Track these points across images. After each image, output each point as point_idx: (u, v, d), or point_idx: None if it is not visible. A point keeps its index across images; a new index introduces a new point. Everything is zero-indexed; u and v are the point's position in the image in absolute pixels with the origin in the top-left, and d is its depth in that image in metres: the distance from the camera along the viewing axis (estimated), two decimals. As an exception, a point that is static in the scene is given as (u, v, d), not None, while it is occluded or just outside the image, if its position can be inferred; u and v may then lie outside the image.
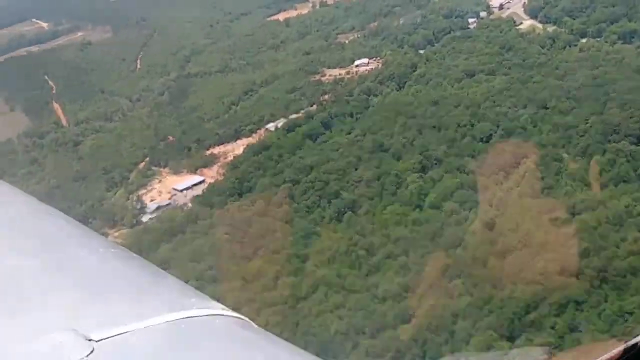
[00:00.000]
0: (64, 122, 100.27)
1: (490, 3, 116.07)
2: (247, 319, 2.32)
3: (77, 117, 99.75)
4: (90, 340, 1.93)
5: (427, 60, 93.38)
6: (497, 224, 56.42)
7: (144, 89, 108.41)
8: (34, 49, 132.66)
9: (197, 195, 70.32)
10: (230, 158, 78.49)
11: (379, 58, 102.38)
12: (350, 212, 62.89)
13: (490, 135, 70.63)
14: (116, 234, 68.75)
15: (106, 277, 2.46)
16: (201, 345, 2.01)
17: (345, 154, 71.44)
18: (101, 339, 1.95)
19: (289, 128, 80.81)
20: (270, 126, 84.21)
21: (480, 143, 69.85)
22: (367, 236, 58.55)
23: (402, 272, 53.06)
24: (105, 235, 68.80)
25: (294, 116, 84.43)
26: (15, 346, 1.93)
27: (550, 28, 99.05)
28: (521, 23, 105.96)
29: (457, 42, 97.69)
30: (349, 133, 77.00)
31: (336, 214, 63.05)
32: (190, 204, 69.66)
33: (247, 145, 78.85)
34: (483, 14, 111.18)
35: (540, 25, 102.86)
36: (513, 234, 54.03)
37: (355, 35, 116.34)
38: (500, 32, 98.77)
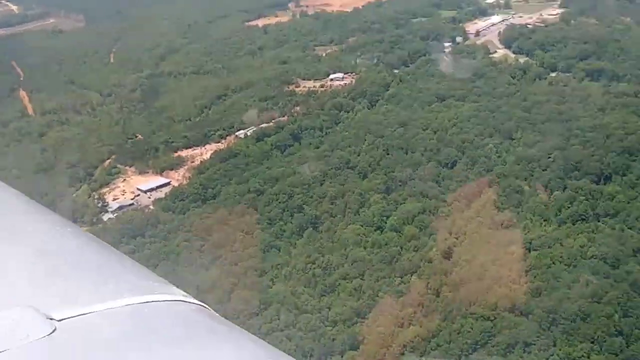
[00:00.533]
0: (29, 111, 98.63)
1: (467, 29, 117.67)
2: (207, 306, 2.34)
3: (44, 107, 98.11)
4: (51, 319, 1.90)
5: (400, 81, 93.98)
6: (454, 253, 56.89)
7: (115, 84, 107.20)
8: (1, 32, 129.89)
9: (160, 199, 69.69)
10: (197, 162, 78.00)
11: (354, 73, 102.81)
12: (311, 228, 62.94)
13: (455, 161, 71.34)
14: (74, 231, 67.80)
15: (66, 255, 2.41)
16: (163, 330, 2.01)
17: (311, 168, 71.48)
18: (63, 319, 1.92)
19: (259, 137, 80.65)
20: (240, 133, 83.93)
21: (445, 169, 70.49)
22: (326, 254, 58.59)
23: (356, 295, 53.19)
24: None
25: (264, 125, 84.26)
26: None
27: (522, 59, 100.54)
28: (495, 52, 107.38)
29: (431, 65, 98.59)
30: (318, 147, 77.13)
31: (297, 229, 63.02)
32: (152, 206, 68.91)
33: (215, 151, 78.45)
34: (459, 39, 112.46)
35: (512, 56, 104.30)
36: (468, 265, 54.54)
37: (333, 49, 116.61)
38: (474, 59, 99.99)
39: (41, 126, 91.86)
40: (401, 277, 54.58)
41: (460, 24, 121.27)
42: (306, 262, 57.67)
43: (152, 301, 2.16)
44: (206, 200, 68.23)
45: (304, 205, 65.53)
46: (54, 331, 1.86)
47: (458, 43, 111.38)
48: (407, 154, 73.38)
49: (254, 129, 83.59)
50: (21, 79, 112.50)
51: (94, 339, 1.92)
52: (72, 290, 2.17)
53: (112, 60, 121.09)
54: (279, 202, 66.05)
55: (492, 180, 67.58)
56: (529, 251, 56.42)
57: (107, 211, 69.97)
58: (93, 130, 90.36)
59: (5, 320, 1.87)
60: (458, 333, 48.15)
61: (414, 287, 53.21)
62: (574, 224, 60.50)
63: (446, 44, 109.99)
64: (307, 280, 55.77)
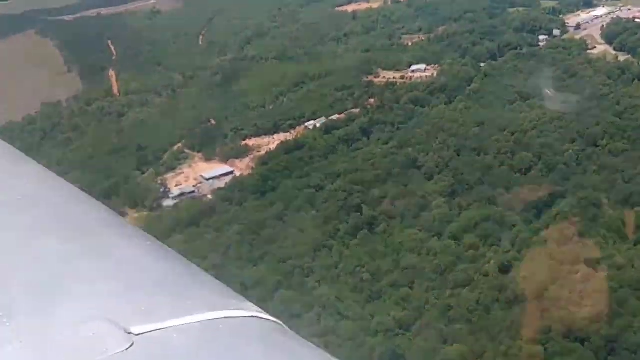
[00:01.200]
0: (115, 90, 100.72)
1: (568, 22, 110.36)
2: (282, 323, 2.26)
3: (129, 87, 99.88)
4: (130, 333, 1.90)
5: (485, 76, 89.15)
6: (514, 268, 52.98)
7: (199, 66, 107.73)
8: (104, 11, 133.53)
9: (220, 188, 69.04)
10: (263, 152, 76.91)
11: (437, 65, 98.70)
12: (367, 230, 60.43)
13: (530, 167, 66.70)
14: (136, 215, 68.36)
15: (142, 269, 2.39)
16: (238, 347, 1.99)
17: (376, 165, 68.79)
18: (140, 333, 1.92)
19: (327, 129, 78.58)
20: (310, 124, 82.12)
21: (518, 174, 66.03)
22: (377, 259, 56.06)
23: (402, 304, 50.46)
24: (124, 214, 68.53)
25: (335, 117, 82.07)
26: (53, 334, 1.89)
27: (623, 57, 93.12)
28: (594, 47, 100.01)
29: (521, 60, 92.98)
30: (386, 143, 74.20)
31: (352, 229, 60.68)
32: (211, 196, 68.44)
33: (282, 142, 77.01)
34: (556, 32, 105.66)
35: (613, 53, 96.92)
36: (526, 282, 50.56)
37: (420, 38, 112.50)
38: (569, 55, 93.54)
39: (122, 106, 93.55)
40: (452, 290, 51.31)
41: (561, 16, 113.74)
42: (356, 266, 55.36)
43: (228, 317, 2.13)
44: (265, 192, 66.95)
45: (362, 205, 63.05)
46: (131, 345, 1.85)
47: (555, 36, 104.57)
48: (479, 155, 69.32)
49: (324, 120, 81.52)
50: (113, 58, 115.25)
51: (170, 354, 1.92)
52: (149, 305, 2.14)
53: (200, 42, 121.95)
54: (337, 200, 63.87)
55: (568, 189, 62.73)
56: (597, 272, 51.75)
57: (168, 197, 70.09)
58: (170, 113, 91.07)
59: (85, 334, 1.88)
60: (505, 355, 44.64)
61: (464, 301, 49.85)
62: (650, 245, 55.17)
63: (541, 37, 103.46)
64: (354, 285, 53.51)
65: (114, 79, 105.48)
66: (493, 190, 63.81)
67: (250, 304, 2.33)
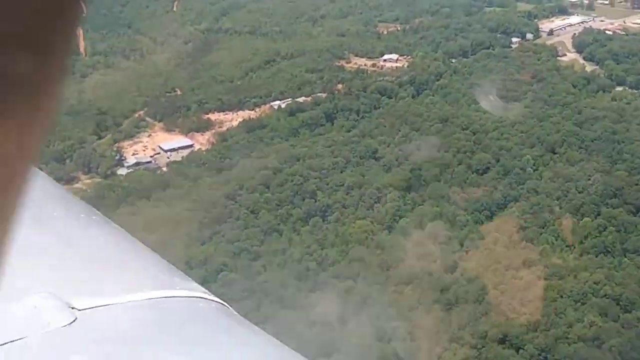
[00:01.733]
0: (81, 49, 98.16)
1: (542, 27, 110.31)
2: (228, 305, 2.26)
3: (95, 47, 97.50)
4: (73, 308, 1.87)
5: (454, 72, 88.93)
6: (458, 269, 53.05)
7: (170, 33, 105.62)
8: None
9: (176, 162, 67.85)
10: (224, 128, 75.77)
11: (409, 57, 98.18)
12: (319, 217, 59.96)
13: (487, 168, 66.76)
14: (88, 181, 66.89)
15: (88, 244, 2.36)
16: (181, 326, 1.99)
17: (336, 153, 68.20)
18: (84, 309, 1.89)
19: (292, 111, 77.68)
20: (276, 104, 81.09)
21: (475, 174, 66.02)
22: (326, 248, 55.67)
23: (344, 297, 50.15)
24: (76, 179, 67.06)
25: (302, 99, 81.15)
26: None
27: (591, 67, 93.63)
28: (564, 55, 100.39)
29: (491, 60, 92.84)
30: (349, 131, 73.67)
31: (305, 215, 60.21)
32: (165, 168, 67.20)
33: (244, 120, 75.88)
34: (530, 35, 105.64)
35: (582, 62, 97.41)
36: (468, 285, 50.66)
37: (396, 28, 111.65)
38: (538, 60, 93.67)
39: (87, 67, 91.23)
40: (395, 286, 51.18)
41: (535, 20, 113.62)
42: (303, 253, 54.90)
43: (173, 296, 2.09)
44: (221, 170, 65.98)
45: (317, 192, 62.55)
46: (74, 320, 1.83)
47: (527, 40, 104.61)
48: (438, 152, 69.13)
49: (290, 101, 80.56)
50: (82, 15, 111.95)
51: (113, 330, 1.89)
52: (93, 280, 2.10)
53: (175, 8, 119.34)
54: (294, 184, 63.22)
55: (521, 194, 63.00)
56: (539, 279, 52.12)
57: (123, 165, 68.63)
58: (135, 78, 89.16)
59: (26, 307, 1.84)
60: (438, 358, 44.72)
61: (405, 299, 49.78)
62: (596, 256, 55.65)
63: (514, 39, 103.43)
64: (300, 273, 53.04)
65: (80, 38, 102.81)
66: (448, 188, 63.76)
67: (195, 284, 2.28)
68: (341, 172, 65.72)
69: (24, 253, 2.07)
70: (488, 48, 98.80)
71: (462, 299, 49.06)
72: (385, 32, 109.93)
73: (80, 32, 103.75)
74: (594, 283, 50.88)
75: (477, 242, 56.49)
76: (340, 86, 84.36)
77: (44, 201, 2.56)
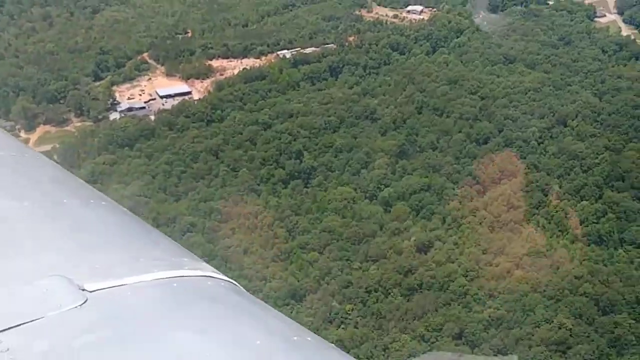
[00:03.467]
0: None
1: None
2: (237, 283, 2.27)
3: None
4: (84, 290, 1.89)
5: (477, 30, 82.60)
6: (434, 248, 49.22)
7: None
8: None
9: (165, 110, 64.66)
10: (224, 76, 72.00)
11: (434, 9, 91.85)
12: (299, 181, 56.50)
13: (487, 139, 61.74)
14: (78, 124, 64.56)
15: (99, 228, 2.39)
16: (192, 306, 1.98)
17: (331, 111, 64.04)
18: (95, 290, 1.91)
19: (295, 62, 73.26)
20: (283, 53, 76.71)
21: (473, 145, 61.13)
22: (300, 215, 52.37)
23: (305, 271, 47.09)
24: (68, 122, 64.84)
25: (310, 50, 76.55)
26: (6, 289, 1.89)
27: (630, 31, 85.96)
28: (603, 16, 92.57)
29: (519, 19, 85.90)
30: (351, 88, 69.11)
31: (287, 177, 56.83)
32: (153, 117, 64.18)
33: (244, 69, 71.89)
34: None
35: (621, 25, 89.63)
36: (439, 267, 46.87)
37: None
38: (571, 21, 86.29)
39: (99, 2, 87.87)
40: (360, 263, 47.78)
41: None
42: (275, 219, 51.76)
43: (182, 276, 2.08)
44: (210, 122, 62.73)
45: (304, 152, 58.93)
46: (85, 302, 1.85)
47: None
48: (439, 116, 64.33)
49: (297, 51, 76.05)
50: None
51: (123, 311, 1.88)
52: (105, 263, 2.08)
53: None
54: (281, 142, 59.68)
55: (520, 170, 58.19)
56: (517, 268, 47.98)
57: (115, 110, 65.92)
58: (146, 16, 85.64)
59: (39, 289, 1.87)
60: (384, 349, 41.59)
61: (366, 279, 46.36)
62: (588, 245, 51.04)
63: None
64: (267, 239, 50.07)
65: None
66: (443, 157, 59.29)
67: (204, 264, 2.25)
68: (333, 132, 61.82)
69: (36, 237, 2.17)
70: (521, 4, 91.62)
71: (427, 285, 45.42)
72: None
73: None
74: (575, 277, 46.55)
75: (460, 221, 52.34)
76: (352, 38, 79.24)
77: (54, 187, 2.60)
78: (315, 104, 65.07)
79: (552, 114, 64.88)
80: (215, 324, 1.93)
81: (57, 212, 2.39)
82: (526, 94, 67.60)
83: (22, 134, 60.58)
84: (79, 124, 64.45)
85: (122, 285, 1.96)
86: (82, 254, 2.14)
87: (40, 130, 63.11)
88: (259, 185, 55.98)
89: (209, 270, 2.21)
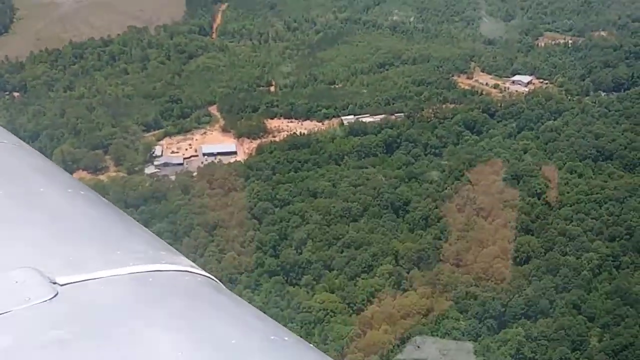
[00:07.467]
0: (213, 29, 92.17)
1: None
2: (215, 278, 2.12)
3: (227, 26, 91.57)
4: (54, 283, 1.77)
5: (581, 112, 67.21)
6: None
7: (309, 19, 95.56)
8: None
9: (189, 172, 58.68)
10: (277, 138, 64.50)
11: (545, 81, 77.19)
12: (280, 277, 47.49)
13: (528, 259, 48.02)
14: (113, 174, 60.96)
15: (74, 219, 2.20)
16: (167, 301, 1.85)
17: (358, 195, 53.94)
18: (66, 284, 1.79)
19: (351, 131, 63.96)
20: (347, 118, 67.63)
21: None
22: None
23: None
24: (104, 169, 61.66)
25: (374, 119, 66.66)
26: None
27: None
28: None
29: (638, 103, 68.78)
30: (398, 169, 58.31)
31: (277, 267, 48.12)
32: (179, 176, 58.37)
33: (290, 135, 63.89)
34: None
35: None
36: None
37: (566, 40, 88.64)
38: None
39: (201, 48, 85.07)
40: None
41: None
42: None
43: (158, 270, 1.93)
44: (229, 191, 55.59)
45: (307, 240, 49.85)
46: (55, 295, 1.74)
47: None
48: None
49: (363, 118, 66.53)
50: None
51: (95, 305, 1.75)
52: (78, 255, 1.92)
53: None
54: (287, 225, 50.97)
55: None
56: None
57: (152, 164, 61.35)
58: (237, 66, 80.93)
59: (7, 282, 1.75)
60: None
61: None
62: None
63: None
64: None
65: (219, 15, 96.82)
66: (461, 275, 46.95)
67: (183, 259, 2.09)
68: (350, 222, 51.92)
69: (7, 227, 2.01)
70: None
71: None
72: (542, 45, 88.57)
73: (223, 7, 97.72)
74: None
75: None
76: (424, 111, 67.61)
77: (30, 175, 2.43)
78: (345, 185, 55.41)
79: (628, 235, 49.31)
80: (190, 321, 1.75)
81: (32, 202, 2.17)
82: (603, 204, 52.29)
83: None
84: (114, 173, 60.84)
85: (95, 278, 1.78)
86: (55, 245, 1.95)
87: (76, 175, 60.33)
88: (241, 274, 47.95)
89: (187, 264, 2.01)
